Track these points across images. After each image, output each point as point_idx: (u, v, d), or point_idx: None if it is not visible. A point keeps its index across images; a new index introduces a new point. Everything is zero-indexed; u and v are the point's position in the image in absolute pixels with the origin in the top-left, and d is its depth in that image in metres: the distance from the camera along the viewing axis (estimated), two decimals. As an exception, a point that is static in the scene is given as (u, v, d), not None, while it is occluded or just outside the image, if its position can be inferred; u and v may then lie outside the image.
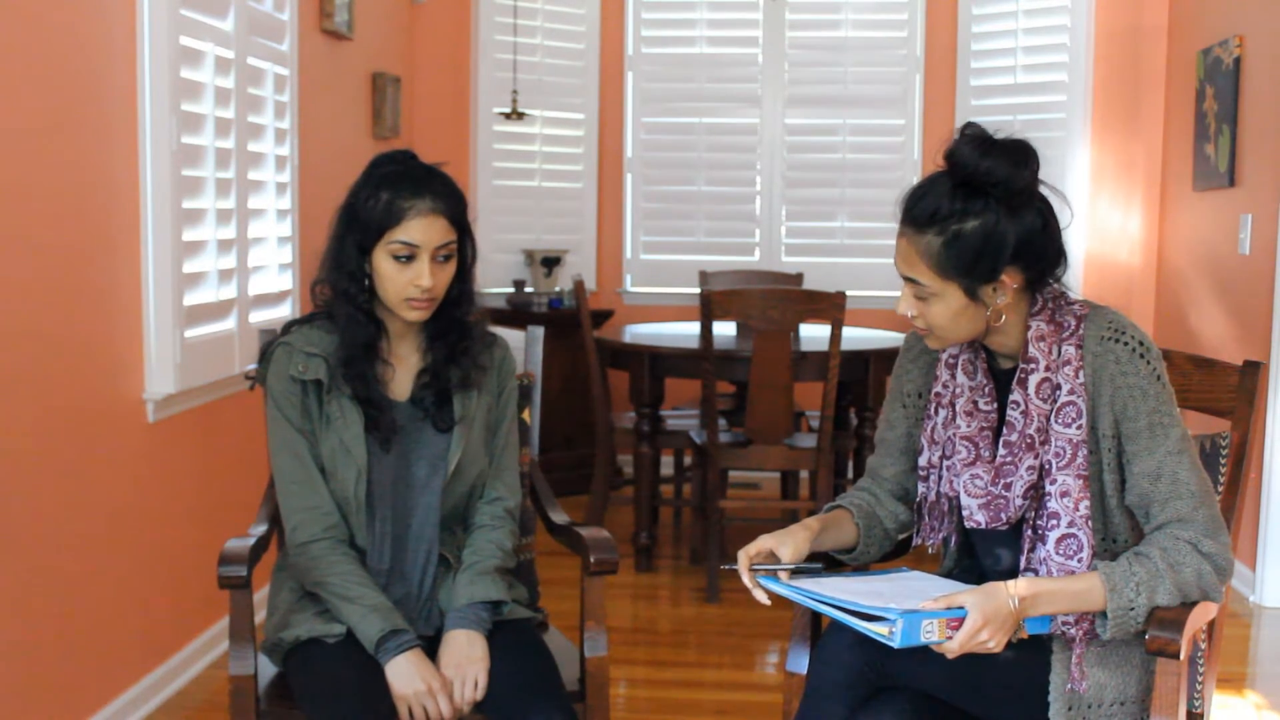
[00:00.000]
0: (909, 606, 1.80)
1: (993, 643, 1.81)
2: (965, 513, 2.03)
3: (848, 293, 4.26)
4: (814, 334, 4.70)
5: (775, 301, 4.21)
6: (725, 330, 4.85)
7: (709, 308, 4.17)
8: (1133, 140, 5.55)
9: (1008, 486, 1.98)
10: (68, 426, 2.90)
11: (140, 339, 3.22)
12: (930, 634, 1.79)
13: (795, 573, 2.00)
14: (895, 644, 1.77)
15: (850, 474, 4.95)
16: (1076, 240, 5.56)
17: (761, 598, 2.02)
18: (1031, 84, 5.87)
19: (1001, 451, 2.00)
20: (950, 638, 1.80)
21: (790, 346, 4.27)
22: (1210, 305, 4.94)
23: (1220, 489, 2.16)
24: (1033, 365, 1.97)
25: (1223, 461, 2.16)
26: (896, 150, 6.23)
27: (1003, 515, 1.99)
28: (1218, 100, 4.80)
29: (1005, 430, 2.00)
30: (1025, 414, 1.97)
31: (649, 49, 6.31)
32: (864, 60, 6.22)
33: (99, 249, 3.04)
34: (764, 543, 2.02)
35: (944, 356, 2.09)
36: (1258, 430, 2.21)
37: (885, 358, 4.63)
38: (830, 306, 4.19)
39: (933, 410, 2.10)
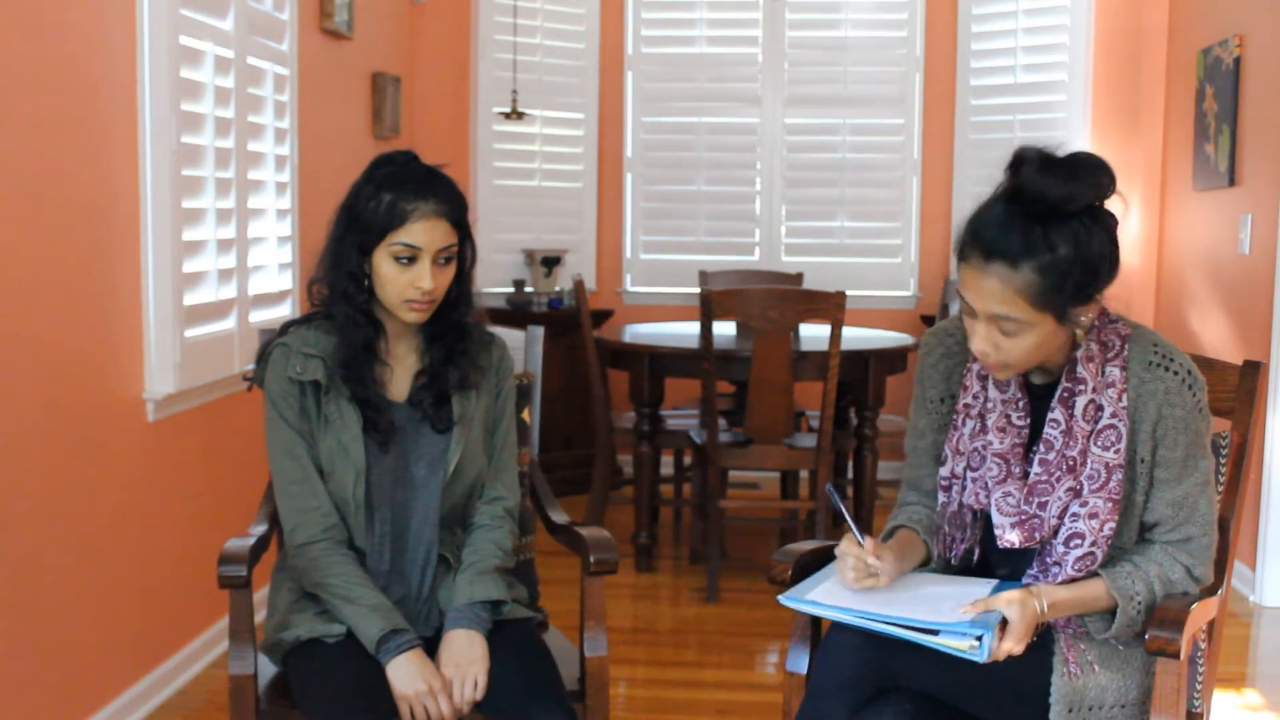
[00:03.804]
0: (947, 615, 1.85)
1: (1019, 650, 1.86)
2: (998, 531, 2.00)
3: (848, 293, 4.26)
4: (814, 334, 4.70)
5: (775, 301, 4.21)
6: (725, 330, 4.85)
7: (709, 307, 4.17)
8: (1133, 140, 5.55)
9: (1042, 506, 1.96)
10: (68, 426, 2.90)
11: (140, 339, 3.22)
12: (992, 643, 1.84)
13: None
14: (982, 658, 1.81)
15: (850, 474, 4.95)
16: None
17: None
18: (1031, 84, 5.87)
19: (1036, 470, 1.97)
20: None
21: (790, 346, 4.27)
22: (1210, 305, 4.94)
23: (1220, 489, 2.16)
24: (1080, 386, 1.94)
25: (1223, 461, 2.17)
26: (896, 150, 6.23)
27: (1036, 535, 1.97)
28: (1218, 100, 4.80)
29: (1042, 448, 1.97)
30: (1067, 434, 1.95)
31: (649, 49, 6.31)
32: (864, 60, 6.21)
33: (99, 249, 3.04)
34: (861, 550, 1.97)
35: (974, 366, 2.05)
36: (1258, 430, 2.21)
37: (885, 358, 4.63)
38: (830, 306, 4.19)
39: (960, 421, 2.06)
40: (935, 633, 1.84)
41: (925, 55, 6.17)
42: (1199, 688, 2.14)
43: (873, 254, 6.27)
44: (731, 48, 6.29)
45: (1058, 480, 1.96)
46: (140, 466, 3.25)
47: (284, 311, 4.03)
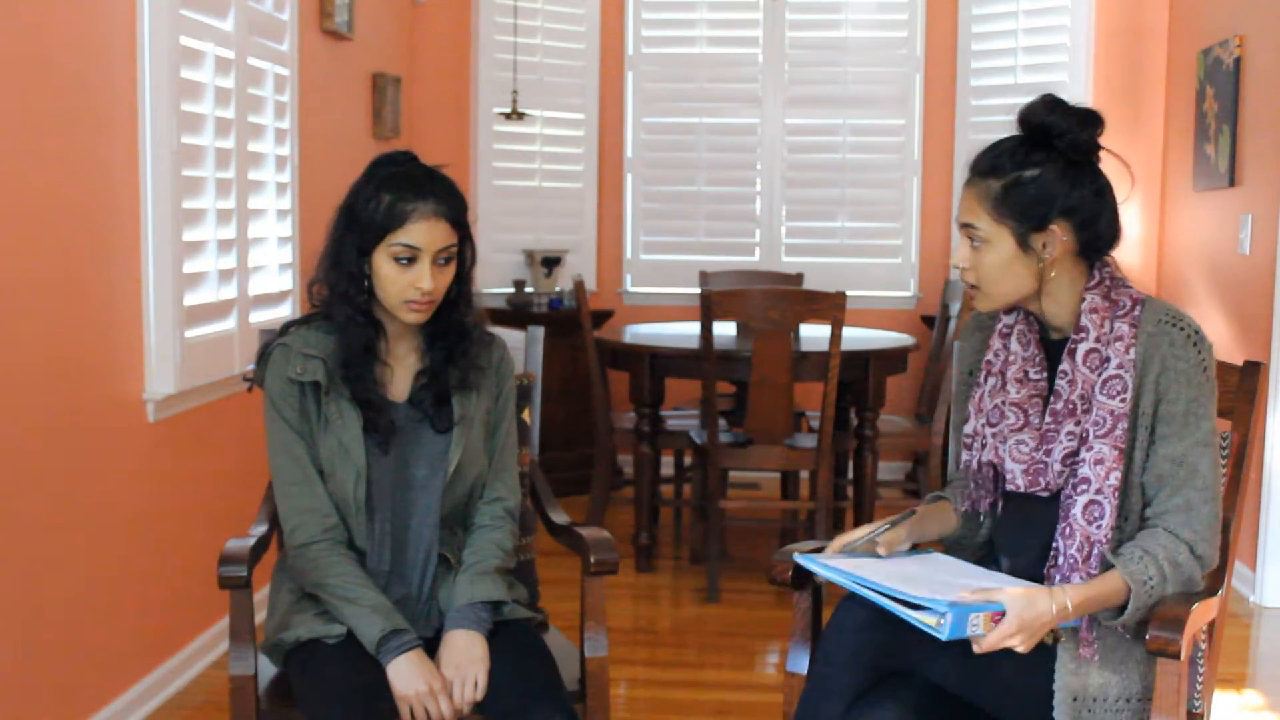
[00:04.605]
0: (949, 597, 1.83)
1: (1021, 647, 1.85)
2: (1008, 475, 2.06)
3: (848, 293, 4.26)
4: (814, 334, 4.70)
5: (775, 301, 4.21)
6: (725, 330, 4.85)
7: (709, 308, 4.17)
8: (1133, 140, 5.55)
9: (1048, 453, 2.02)
10: (68, 426, 2.90)
11: (140, 339, 3.22)
12: (976, 627, 1.82)
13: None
14: (944, 636, 1.79)
15: (850, 474, 4.95)
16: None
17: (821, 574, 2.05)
18: (1031, 84, 5.86)
19: (1048, 420, 2.03)
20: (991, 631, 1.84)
21: (790, 346, 4.27)
22: (1210, 305, 4.94)
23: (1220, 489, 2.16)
24: (1083, 335, 2.01)
25: (1223, 461, 2.17)
26: (896, 150, 6.23)
27: (1041, 480, 2.02)
28: (1218, 100, 4.80)
29: (1053, 399, 2.03)
30: (1071, 382, 2.01)
31: (649, 49, 6.31)
32: (864, 60, 6.22)
33: (99, 249, 3.04)
34: (860, 532, 2.08)
35: (999, 327, 2.12)
36: (1258, 430, 2.21)
37: (885, 358, 4.63)
38: (830, 306, 4.19)
39: (981, 378, 2.13)
40: (919, 608, 1.82)
41: (925, 55, 6.17)
42: (1199, 688, 2.14)
43: (873, 254, 6.27)
44: (731, 48, 6.29)
45: (1062, 426, 2.01)
46: (140, 466, 3.25)
47: (284, 312, 4.03)
